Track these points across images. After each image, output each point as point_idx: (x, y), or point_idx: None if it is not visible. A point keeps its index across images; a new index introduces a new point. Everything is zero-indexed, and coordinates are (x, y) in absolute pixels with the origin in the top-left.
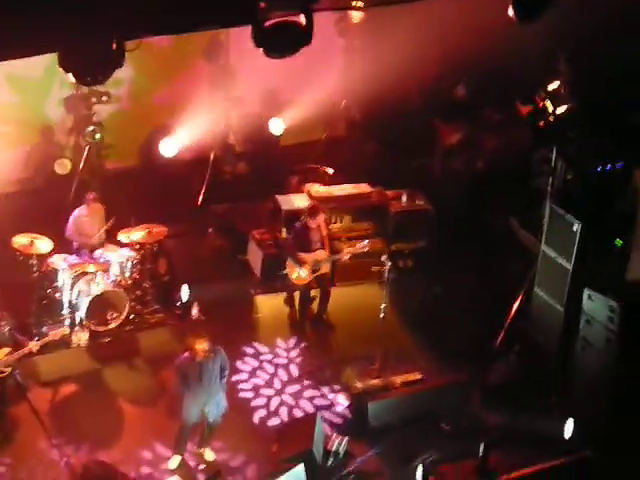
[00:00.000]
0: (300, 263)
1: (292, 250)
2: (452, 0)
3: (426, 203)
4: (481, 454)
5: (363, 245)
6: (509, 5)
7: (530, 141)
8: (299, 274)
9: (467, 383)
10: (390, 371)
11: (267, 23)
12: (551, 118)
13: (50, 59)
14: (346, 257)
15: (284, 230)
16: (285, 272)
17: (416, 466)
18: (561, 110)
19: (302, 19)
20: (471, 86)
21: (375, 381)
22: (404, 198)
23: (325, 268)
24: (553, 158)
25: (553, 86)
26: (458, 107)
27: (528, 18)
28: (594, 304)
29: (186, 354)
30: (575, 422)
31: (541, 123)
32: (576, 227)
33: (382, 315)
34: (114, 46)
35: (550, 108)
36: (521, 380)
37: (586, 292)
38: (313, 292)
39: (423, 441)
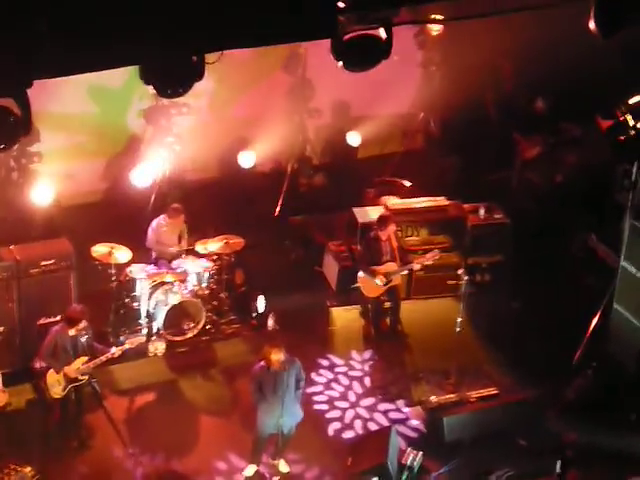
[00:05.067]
0: (372, 275)
1: (363, 262)
2: (531, 14)
3: (504, 217)
4: (558, 471)
5: (433, 255)
6: (590, 18)
7: (610, 156)
8: (370, 287)
9: (544, 399)
10: (466, 386)
11: (346, 36)
12: (632, 132)
13: (131, 71)
14: (416, 268)
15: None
16: (357, 285)
17: None
18: None
19: (381, 33)
20: (550, 100)
21: (450, 396)
22: (482, 211)
23: (396, 280)
24: (634, 173)
25: (635, 100)
26: (537, 121)
27: (610, 31)
28: None
29: (261, 363)
30: None
31: (621, 137)
32: None
33: (458, 329)
34: (195, 59)
35: (631, 122)
36: (599, 397)
37: None
38: (386, 305)
39: (499, 457)
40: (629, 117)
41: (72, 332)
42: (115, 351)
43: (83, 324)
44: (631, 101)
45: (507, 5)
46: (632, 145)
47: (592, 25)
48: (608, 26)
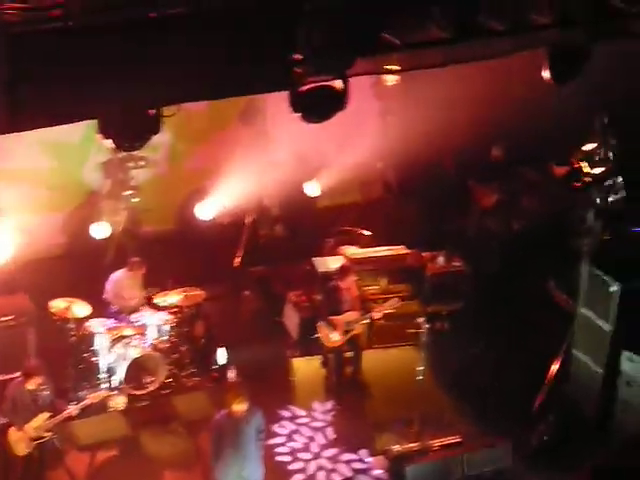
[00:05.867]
0: (332, 325)
1: (323, 312)
2: (486, 63)
3: (463, 265)
4: None
5: (393, 303)
6: (544, 67)
7: (567, 201)
8: (330, 337)
9: (507, 446)
10: (428, 434)
11: (303, 88)
12: (587, 179)
13: (87, 124)
14: (377, 316)
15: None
16: (317, 335)
17: None
18: (598, 171)
19: (338, 83)
20: (506, 148)
21: (413, 444)
22: (441, 260)
23: (357, 329)
24: (590, 218)
25: (589, 147)
26: (494, 168)
27: (563, 79)
28: (635, 366)
29: (223, 412)
30: None
31: (577, 184)
32: (614, 288)
33: (419, 377)
34: (151, 113)
35: (586, 169)
36: (560, 443)
37: (626, 354)
38: (348, 354)
39: None
40: (584, 164)
41: (31, 387)
42: (73, 409)
43: (40, 379)
44: (585, 148)
45: (461, 55)
46: (587, 191)
47: (545, 73)
48: (562, 74)
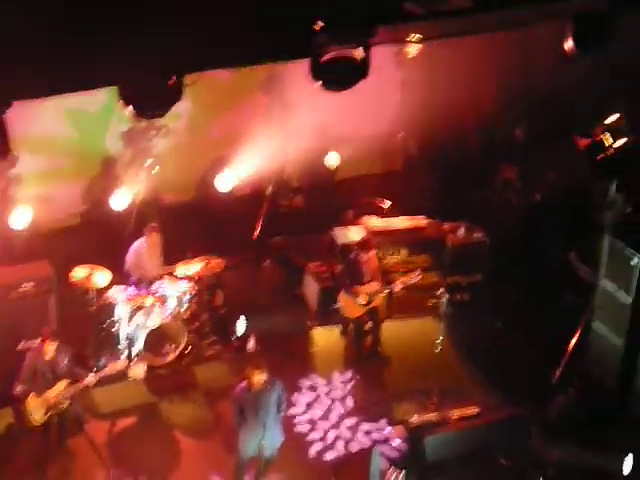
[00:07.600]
0: (353, 295)
1: (343, 283)
2: (508, 33)
3: (483, 236)
4: None
5: (415, 275)
6: (567, 37)
7: (589, 174)
8: (351, 307)
9: (525, 417)
10: (447, 405)
11: (324, 57)
12: (610, 151)
13: (109, 93)
14: (398, 288)
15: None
16: (338, 305)
17: None
18: (620, 143)
19: (359, 53)
20: (528, 128)
21: (432, 415)
22: (461, 231)
23: (377, 300)
24: (612, 191)
25: (612, 119)
26: (516, 147)
27: (587, 49)
28: None
29: (242, 385)
30: (635, 458)
31: (599, 156)
32: (636, 261)
33: (438, 349)
34: (173, 80)
35: (609, 141)
36: (580, 415)
37: None
38: (368, 325)
39: (481, 477)
40: (606, 136)
41: (50, 354)
42: (91, 379)
43: (57, 344)
44: (608, 120)
45: (483, 25)
46: (610, 164)
47: (569, 44)
48: (586, 44)
